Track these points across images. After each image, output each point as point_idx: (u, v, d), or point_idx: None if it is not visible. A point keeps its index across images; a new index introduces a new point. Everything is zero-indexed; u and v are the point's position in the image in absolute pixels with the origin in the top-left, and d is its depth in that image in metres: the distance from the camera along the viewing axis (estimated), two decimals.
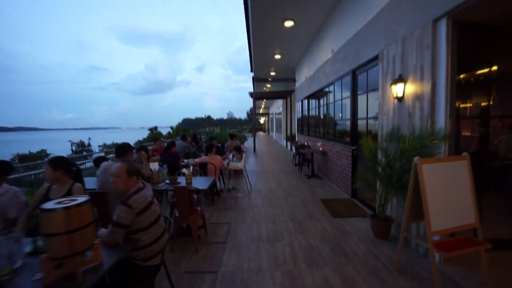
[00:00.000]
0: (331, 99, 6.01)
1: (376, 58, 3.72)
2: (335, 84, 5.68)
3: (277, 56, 9.18)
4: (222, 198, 5.09)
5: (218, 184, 5.84)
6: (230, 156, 6.24)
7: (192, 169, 3.64)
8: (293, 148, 9.82)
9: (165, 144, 8.23)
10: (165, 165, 3.64)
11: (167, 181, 3.39)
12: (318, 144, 6.69)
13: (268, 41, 7.59)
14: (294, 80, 13.46)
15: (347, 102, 4.98)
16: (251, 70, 12.52)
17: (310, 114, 8.68)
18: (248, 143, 18.07)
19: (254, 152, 13.20)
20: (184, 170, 3.37)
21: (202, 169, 4.56)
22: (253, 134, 14.24)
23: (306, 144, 8.49)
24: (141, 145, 3.96)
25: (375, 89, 3.86)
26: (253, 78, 14.49)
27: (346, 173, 4.98)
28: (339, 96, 5.41)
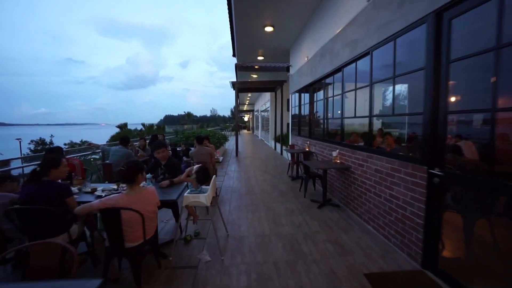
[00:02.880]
0: (365, 80, 3.63)
1: None
2: (373, 54, 3.29)
3: (268, 29, 6.70)
4: (170, 264, 2.58)
5: (177, 226, 3.34)
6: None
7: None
8: (288, 154, 7.42)
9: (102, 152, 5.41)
10: None
11: None
12: (334, 154, 4.30)
13: None
14: (287, 69, 11.10)
15: (412, 81, 2.62)
16: (234, 54, 9.98)
17: (314, 109, 6.29)
18: (230, 144, 15.51)
19: (237, 156, 10.67)
20: None
21: (112, 224, 1.99)
22: (236, 133, 11.70)
23: (307, 149, 6.11)
24: None
25: None
26: (236, 66, 11.92)
27: (405, 215, 2.62)
28: (387, 73, 3.02)
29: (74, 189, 2.72)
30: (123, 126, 23.39)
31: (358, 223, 3.54)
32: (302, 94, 7.26)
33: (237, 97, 11.08)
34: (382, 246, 2.90)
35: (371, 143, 3.38)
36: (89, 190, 2.72)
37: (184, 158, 5.09)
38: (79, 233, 2.26)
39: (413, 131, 2.71)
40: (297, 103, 7.81)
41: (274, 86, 11.51)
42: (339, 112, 4.55)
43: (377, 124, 3.89)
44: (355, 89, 3.85)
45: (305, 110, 7.01)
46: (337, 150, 4.33)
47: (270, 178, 6.49)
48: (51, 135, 34.61)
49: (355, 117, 3.95)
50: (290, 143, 8.52)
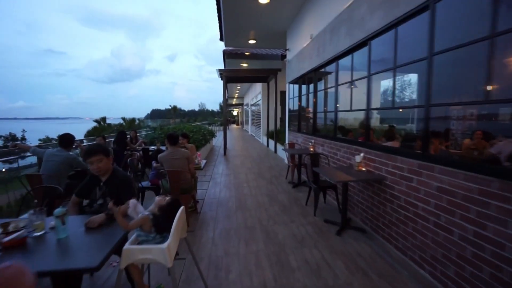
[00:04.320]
0: (412, 53, 2.45)
1: None
2: (437, 8, 2.11)
3: (263, 0, 5.40)
4: None
5: (122, 277, 2.08)
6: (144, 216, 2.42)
7: None
8: (286, 154, 6.24)
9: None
10: None
11: None
12: (357, 159, 3.14)
13: None
14: (282, 57, 9.89)
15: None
16: (221, 38, 8.60)
17: (318, 101, 5.12)
18: (218, 141, 14.20)
19: (225, 155, 9.43)
20: None
21: None
22: (224, 129, 10.38)
23: (312, 149, 4.95)
24: None
25: None
26: (224, 53, 10.59)
27: None
28: (466, 35, 1.85)
29: None
30: (101, 121, 21.49)
31: (403, 265, 2.40)
32: (303, 82, 6.07)
33: (225, 87, 9.76)
34: None
35: (426, 146, 2.23)
36: None
37: (154, 164, 3.81)
38: None
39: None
40: (296, 94, 6.61)
41: (267, 76, 10.25)
42: (339, 104, 3.39)
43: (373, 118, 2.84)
44: (394, 68, 2.68)
45: (308, 102, 5.83)
46: (362, 154, 3.16)
47: (265, 184, 5.30)
48: (23, 130, 31.75)
49: (393, 107, 2.79)
50: (287, 141, 7.34)
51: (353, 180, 2.85)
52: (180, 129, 8.30)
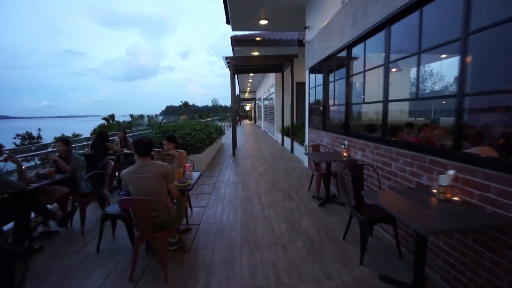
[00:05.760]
0: None
1: None
2: None
3: None
4: None
5: None
6: None
7: None
8: (308, 158, 4.93)
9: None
10: None
11: None
12: (444, 181, 1.81)
13: None
14: (299, 43, 8.53)
15: None
16: (227, 20, 7.30)
17: (356, 88, 3.78)
18: (228, 139, 13.03)
19: (234, 155, 8.23)
20: None
21: None
22: (234, 126, 9.14)
23: (345, 154, 3.63)
24: None
25: None
26: (232, 40, 9.32)
27: None
28: None
29: None
30: (109, 118, 20.91)
31: None
32: (329, 68, 4.72)
33: (233, 78, 8.49)
34: None
35: None
36: None
37: None
38: None
39: None
40: (319, 82, 5.26)
41: (282, 64, 8.89)
42: (389, 92, 2.05)
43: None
44: None
45: (339, 93, 4.50)
46: (452, 172, 1.83)
47: (282, 200, 4.05)
48: (39, 128, 32.03)
49: None
50: (307, 140, 6.02)
51: (456, 229, 1.54)
52: (181, 127, 7.14)
